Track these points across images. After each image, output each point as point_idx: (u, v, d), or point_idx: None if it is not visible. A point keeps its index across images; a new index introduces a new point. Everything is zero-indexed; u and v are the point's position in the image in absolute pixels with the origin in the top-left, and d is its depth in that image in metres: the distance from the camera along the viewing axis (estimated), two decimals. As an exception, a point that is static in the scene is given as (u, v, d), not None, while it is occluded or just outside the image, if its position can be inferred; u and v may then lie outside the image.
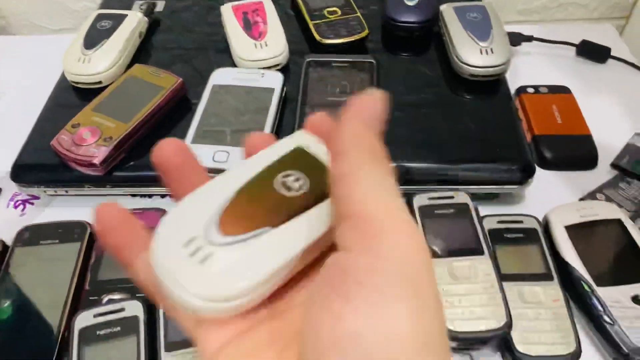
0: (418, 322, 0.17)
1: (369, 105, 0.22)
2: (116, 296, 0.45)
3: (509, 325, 0.41)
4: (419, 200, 0.49)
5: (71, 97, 0.58)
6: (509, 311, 0.42)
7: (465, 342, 0.41)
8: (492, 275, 0.43)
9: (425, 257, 0.19)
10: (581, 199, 0.54)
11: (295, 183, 0.23)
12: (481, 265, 0.44)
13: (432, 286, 0.18)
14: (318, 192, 0.23)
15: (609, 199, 0.54)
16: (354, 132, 0.21)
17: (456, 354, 0.42)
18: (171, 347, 0.40)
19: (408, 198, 0.49)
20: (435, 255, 0.45)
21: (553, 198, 0.52)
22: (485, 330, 0.41)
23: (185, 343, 0.40)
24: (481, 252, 0.45)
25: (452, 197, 0.49)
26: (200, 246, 0.21)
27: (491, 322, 0.41)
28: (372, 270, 0.17)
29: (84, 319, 0.42)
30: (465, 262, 0.44)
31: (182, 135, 0.51)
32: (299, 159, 0.24)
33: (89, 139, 0.50)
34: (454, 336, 0.41)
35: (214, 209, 0.22)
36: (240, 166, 0.24)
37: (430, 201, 0.49)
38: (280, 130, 0.54)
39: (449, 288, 0.43)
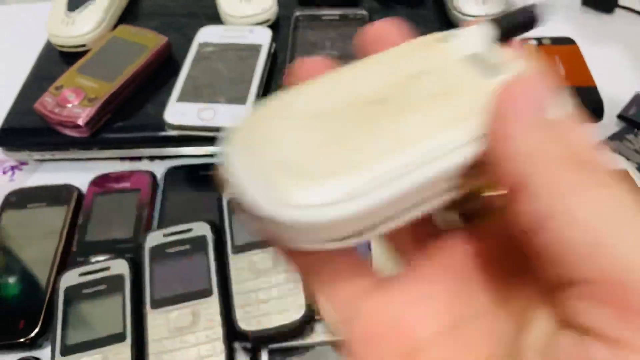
0: None
1: (532, 87, 0.15)
2: (103, 257, 0.44)
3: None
4: None
5: (56, 61, 0.57)
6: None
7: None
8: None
9: None
10: (585, 151, 0.52)
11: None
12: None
13: None
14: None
15: (615, 151, 0.52)
16: (535, 141, 0.14)
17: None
18: (156, 304, 0.39)
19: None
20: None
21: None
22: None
23: (170, 300, 0.39)
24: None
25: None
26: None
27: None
28: None
29: (70, 277, 0.41)
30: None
31: (168, 95, 0.50)
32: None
33: (73, 100, 0.49)
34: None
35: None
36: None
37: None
38: (269, 88, 0.52)
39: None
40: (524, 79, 0.15)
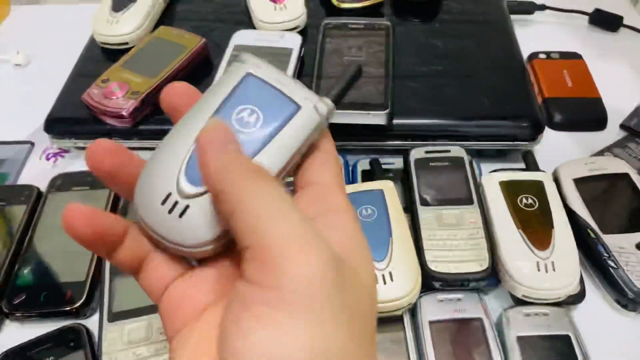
0: (316, 346, 0.18)
1: (218, 133, 0.22)
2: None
3: (489, 270, 0.43)
4: (416, 153, 0.51)
5: (100, 57, 0.61)
6: (492, 256, 0.43)
7: (446, 282, 0.43)
8: (479, 223, 0.45)
9: (324, 278, 0.19)
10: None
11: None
12: (469, 213, 0.46)
13: (334, 306, 0.19)
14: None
15: (617, 157, 0.55)
16: (218, 167, 0.21)
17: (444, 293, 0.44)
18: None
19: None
20: (425, 203, 0.47)
21: (563, 157, 0.54)
22: (466, 273, 0.43)
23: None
24: (470, 202, 0.47)
25: (448, 151, 0.50)
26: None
27: (472, 265, 0.43)
28: (269, 304, 0.18)
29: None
30: (454, 211, 0.46)
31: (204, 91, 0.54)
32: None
33: (118, 93, 0.53)
34: (436, 277, 0.43)
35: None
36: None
37: (426, 154, 0.51)
38: (298, 88, 0.56)
39: (436, 233, 0.45)
40: (213, 126, 0.23)
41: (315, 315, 0.18)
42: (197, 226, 0.23)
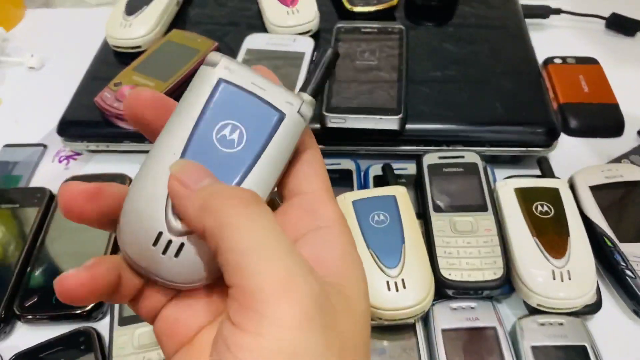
0: None
1: (186, 173, 0.21)
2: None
3: (503, 278, 0.42)
4: (429, 158, 0.50)
5: (113, 61, 0.61)
6: (507, 264, 0.43)
7: (459, 290, 0.42)
8: (494, 230, 0.44)
9: (309, 320, 0.18)
10: (606, 164, 0.55)
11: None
12: (483, 220, 0.45)
13: (319, 348, 0.18)
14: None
15: (635, 164, 0.54)
16: (196, 207, 0.20)
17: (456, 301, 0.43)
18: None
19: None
20: (439, 210, 0.46)
21: (579, 164, 0.53)
22: (480, 281, 0.42)
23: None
24: (485, 209, 0.46)
25: (462, 157, 0.50)
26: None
27: (486, 273, 0.42)
28: (251, 350, 0.18)
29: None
30: (468, 218, 0.45)
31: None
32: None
33: (130, 96, 0.53)
34: (449, 284, 0.42)
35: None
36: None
37: (439, 160, 0.50)
38: (311, 92, 0.56)
39: (449, 240, 0.44)
40: (180, 169, 0.21)
41: (298, 357, 0.18)
42: (194, 263, 0.22)
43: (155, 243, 0.21)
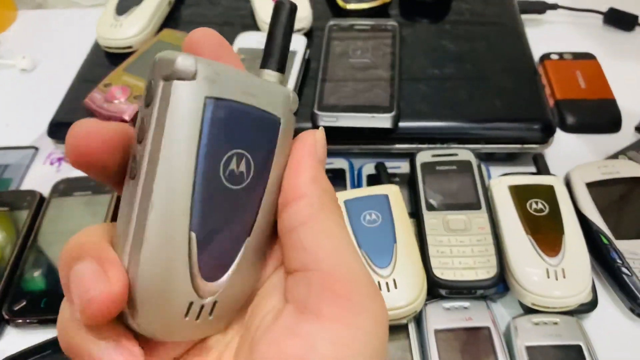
0: None
1: (321, 145, 0.21)
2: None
3: (497, 277, 0.41)
4: (422, 156, 0.49)
5: (103, 61, 0.61)
6: (501, 263, 0.42)
7: (452, 290, 0.42)
8: (487, 228, 0.44)
9: (386, 317, 0.18)
10: (603, 160, 0.54)
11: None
12: (477, 219, 0.44)
13: (386, 344, 0.18)
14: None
15: (632, 160, 0.54)
16: (311, 174, 0.19)
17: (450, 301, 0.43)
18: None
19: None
20: (432, 208, 0.46)
21: (576, 160, 0.52)
22: (473, 280, 0.41)
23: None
24: (478, 207, 0.45)
25: (455, 155, 0.49)
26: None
27: (480, 272, 0.41)
28: (343, 345, 0.17)
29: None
30: (461, 216, 0.45)
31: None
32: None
33: (120, 97, 0.52)
34: (442, 284, 0.41)
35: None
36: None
37: (433, 158, 0.49)
38: (302, 92, 0.56)
39: (442, 239, 0.43)
40: (312, 133, 0.21)
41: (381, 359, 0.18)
42: (231, 311, 0.20)
43: (186, 314, 0.19)
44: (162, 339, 0.19)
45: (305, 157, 0.20)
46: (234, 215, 0.19)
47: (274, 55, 0.20)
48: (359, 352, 0.17)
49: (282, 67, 0.20)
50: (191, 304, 0.18)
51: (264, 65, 0.20)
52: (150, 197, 0.17)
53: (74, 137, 0.18)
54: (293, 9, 0.21)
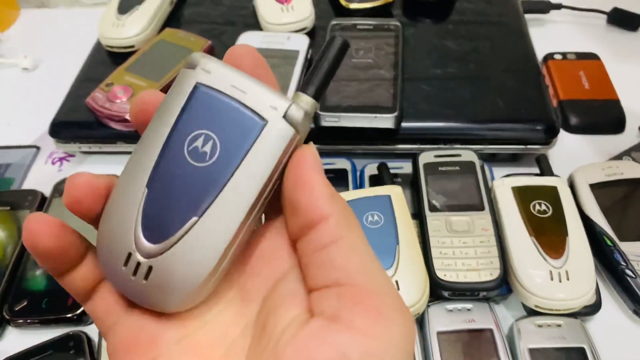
0: None
1: (316, 157, 0.21)
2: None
3: (500, 279, 0.41)
4: (425, 157, 0.49)
5: (105, 61, 0.61)
6: (504, 265, 0.42)
7: (455, 291, 0.42)
8: (490, 230, 0.43)
9: (413, 337, 0.19)
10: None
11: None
12: (480, 220, 0.44)
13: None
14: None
15: (636, 162, 0.53)
16: (329, 192, 0.20)
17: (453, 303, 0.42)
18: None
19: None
20: (434, 209, 0.45)
21: (579, 161, 0.52)
22: (476, 282, 0.41)
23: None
24: (481, 208, 0.45)
25: (459, 155, 0.49)
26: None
27: (483, 273, 0.41)
28: (374, 356, 0.17)
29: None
30: (464, 217, 0.44)
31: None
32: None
33: (122, 96, 0.52)
34: (444, 285, 0.41)
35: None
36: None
37: (435, 158, 0.49)
38: (305, 91, 0.55)
39: (445, 240, 0.43)
40: (309, 149, 0.21)
41: None
42: (164, 287, 0.20)
43: (125, 264, 0.20)
44: (111, 285, 0.22)
45: (314, 175, 0.20)
46: (185, 189, 0.20)
47: (315, 84, 0.21)
48: None
49: (317, 96, 0.21)
50: (130, 254, 0.20)
51: (303, 89, 0.21)
52: (132, 154, 0.21)
53: (69, 190, 0.21)
54: (345, 46, 0.22)
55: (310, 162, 0.20)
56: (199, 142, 0.20)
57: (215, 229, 0.20)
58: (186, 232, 0.20)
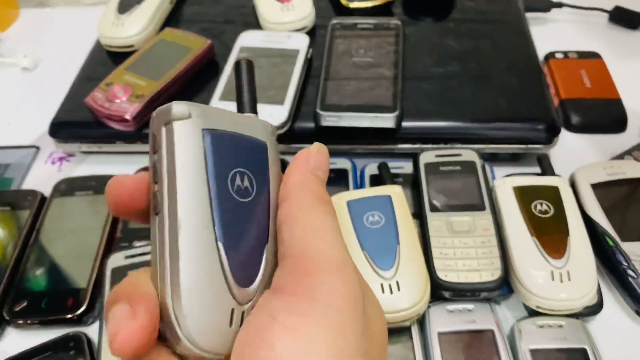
0: None
1: (314, 156, 0.24)
2: (145, 242, 0.47)
3: (501, 279, 0.41)
4: (426, 157, 0.49)
5: (105, 60, 0.61)
6: (505, 265, 0.41)
7: (455, 292, 0.41)
8: (491, 230, 0.43)
9: (353, 295, 0.20)
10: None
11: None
12: (481, 220, 0.44)
13: (358, 329, 0.19)
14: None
15: (637, 161, 0.53)
16: (298, 179, 0.22)
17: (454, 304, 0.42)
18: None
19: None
20: (435, 209, 0.45)
21: (581, 161, 0.51)
22: (477, 283, 0.41)
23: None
24: (482, 208, 0.45)
25: (459, 155, 0.49)
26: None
27: (484, 274, 0.41)
28: (301, 314, 0.18)
29: (116, 259, 0.44)
30: (465, 217, 0.44)
31: (209, 94, 0.53)
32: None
33: (122, 96, 0.52)
34: (445, 286, 0.41)
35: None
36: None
37: (436, 158, 0.49)
38: (305, 91, 0.55)
39: (446, 241, 0.43)
40: (316, 148, 0.24)
41: (342, 332, 0.19)
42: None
43: (231, 323, 0.20)
44: (210, 352, 0.19)
45: (293, 167, 0.23)
46: (250, 225, 0.21)
47: (246, 102, 0.24)
48: (315, 321, 0.18)
49: (254, 110, 0.24)
50: (233, 311, 0.20)
51: (241, 110, 0.24)
52: (176, 221, 0.19)
53: (110, 195, 0.22)
54: (250, 64, 0.25)
55: (298, 158, 0.23)
56: (238, 181, 0.21)
57: (275, 243, 0.22)
58: (265, 259, 0.22)
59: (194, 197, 0.20)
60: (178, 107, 0.20)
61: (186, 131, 0.20)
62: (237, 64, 0.25)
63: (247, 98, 0.24)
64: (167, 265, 0.19)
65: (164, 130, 0.20)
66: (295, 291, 0.19)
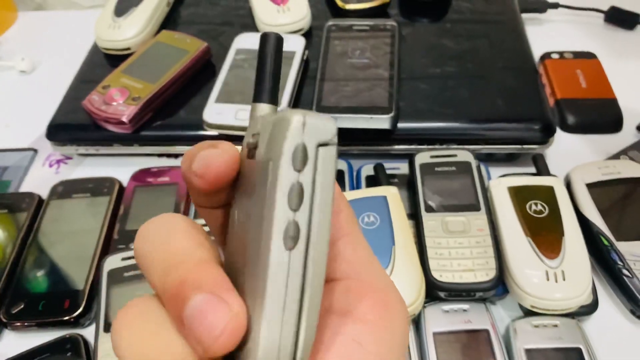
0: None
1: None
2: (142, 244, 0.47)
3: (496, 279, 0.41)
4: (421, 157, 0.49)
5: (102, 63, 0.61)
6: (500, 265, 0.42)
7: (451, 292, 0.42)
8: (486, 230, 0.43)
9: (409, 323, 0.21)
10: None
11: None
12: (476, 220, 0.44)
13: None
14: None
15: (633, 160, 0.53)
16: (338, 190, 0.21)
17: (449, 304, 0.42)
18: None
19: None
20: (430, 210, 0.45)
21: (576, 161, 0.52)
22: (472, 283, 0.41)
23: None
24: (477, 209, 0.45)
25: (455, 156, 0.49)
26: None
27: (479, 274, 0.41)
28: (386, 345, 0.19)
29: (112, 261, 0.44)
30: (460, 217, 0.44)
31: (206, 97, 0.53)
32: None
33: (118, 99, 0.52)
34: (440, 286, 0.41)
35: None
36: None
37: (432, 159, 0.49)
38: (301, 92, 0.55)
39: (441, 241, 0.43)
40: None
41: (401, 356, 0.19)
42: None
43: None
44: None
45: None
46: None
47: (267, 86, 0.19)
48: (395, 351, 0.19)
49: (275, 98, 0.19)
50: None
51: (258, 98, 0.19)
52: (315, 267, 0.17)
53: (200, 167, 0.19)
54: (279, 41, 0.20)
55: None
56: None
57: None
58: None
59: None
60: (334, 127, 0.16)
61: (334, 157, 0.17)
62: (264, 37, 0.19)
63: (268, 83, 0.19)
64: (293, 305, 0.16)
65: (321, 152, 0.17)
66: (379, 322, 0.19)
